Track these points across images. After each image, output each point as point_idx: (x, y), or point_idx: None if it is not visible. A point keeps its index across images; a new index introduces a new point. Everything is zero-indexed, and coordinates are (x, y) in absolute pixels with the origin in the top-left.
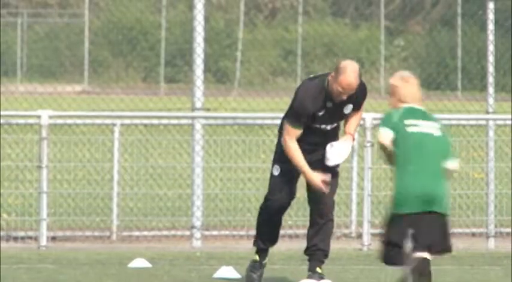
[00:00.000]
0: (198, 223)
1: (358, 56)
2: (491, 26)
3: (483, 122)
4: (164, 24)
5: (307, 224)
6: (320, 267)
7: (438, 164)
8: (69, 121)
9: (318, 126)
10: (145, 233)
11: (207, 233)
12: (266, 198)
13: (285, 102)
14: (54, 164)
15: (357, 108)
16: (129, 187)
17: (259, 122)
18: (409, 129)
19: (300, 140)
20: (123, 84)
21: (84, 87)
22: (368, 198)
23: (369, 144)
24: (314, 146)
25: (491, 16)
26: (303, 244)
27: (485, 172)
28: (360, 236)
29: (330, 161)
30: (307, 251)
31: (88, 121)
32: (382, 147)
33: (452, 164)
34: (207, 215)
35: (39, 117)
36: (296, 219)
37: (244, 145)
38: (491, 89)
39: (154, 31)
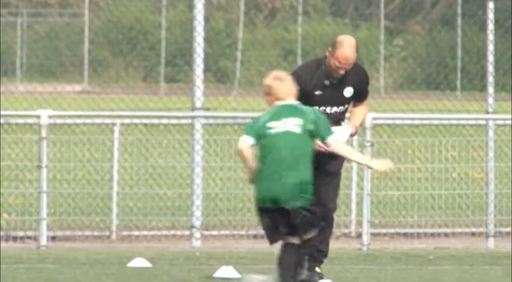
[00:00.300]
0: (197, 223)
1: (358, 55)
2: (491, 26)
3: (483, 122)
4: (164, 24)
5: None
6: (319, 267)
7: (293, 161)
8: (69, 121)
9: (317, 109)
10: (145, 232)
11: (206, 232)
12: None
13: None
14: (54, 163)
15: (360, 96)
16: (129, 187)
17: None
18: (270, 132)
19: None
20: (123, 83)
21: (84, 87)
22: (367, 198)
23: (368, 144)
24: None
25: (491, 16)
26: None
27: (485, 172)
28: (359, 235)
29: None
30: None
31: (88, 121)
32: (240, 154)
33: (335, 138)
34: (206, 215)
35: (38, 117)
36: None
37: None
38: (491, 89)
39: (155, 31)
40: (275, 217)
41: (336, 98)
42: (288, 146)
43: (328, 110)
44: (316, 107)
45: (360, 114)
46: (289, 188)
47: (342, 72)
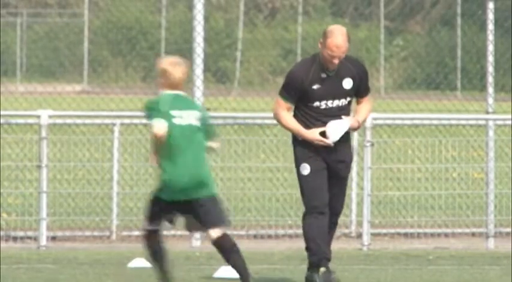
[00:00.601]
0: None
1: (358, 55)
2: (490, 26)
3: (483, 122)
4: (164, 24)
5: None
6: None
7: (198, 154)
8: (68, 121)
9: (318, 104)
10: None
11: None
12: (308, 208)
13: None
14: (54, 163)
15: (360, 90)
16: (129, 187)
17: (259, 121)
18: (175, 121)
19: (308, 127)
20: (123, 83)
21: (84, 87)
22: (368, 198)
23: (368, 144)
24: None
25: (490, 16)
26: (302, 244)
27: (485, 172)
28: (359, 235)
29: (329, 138)
30: None
31: (88, 121)
32: (157, 139)
33: (212, 144)
34: None
35: (38, 117)
36: (296, 219)
37: (244, 145)
38: (490, 89)
39: (154, 31)
40: (169, 204)
41: (336, 90)
42: (189, 139)
43: (329, 103)
44: (317, 102)
45: (363, 110)
46: (199, 178)
47: (336, 61)
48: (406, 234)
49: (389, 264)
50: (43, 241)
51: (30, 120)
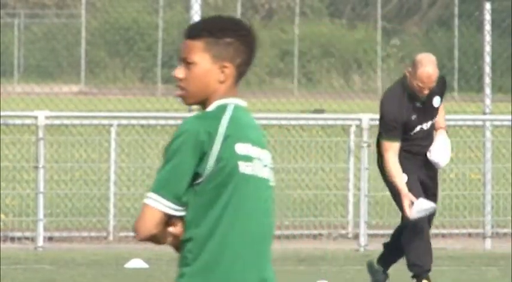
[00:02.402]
0: None
1: (355, 56)
2: (488, 27)
3: (480, 123)
4: (161, 25)
5: (304, 224)
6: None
7: None
8: (66, 122)
9: (417, 130)
10: None
11: None
12: (404, 220)
13: (282, 103)
14: (51, 164)
15: (442, 99)
16: (126, 187)
17: None
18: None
19: (407, 151)
20: (120, 84)
21: (81, 88)
22: (365, 199)
23: (365, 145)
24: (423, 157)
25: (487, 17)
26: (299, 245)
27: (482, 173)
28: (356, 236)
29: (439, 164)
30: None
31: (85, 122)
32: None
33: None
34: None
35: (36, 117)
36: (293, 219)
37: None
38: (488, 90)
39: (151, 32)
40: None
41: (430, 113)
42: None
43: (424, 126)
44: (416, 129)
45: (442, 114)
46: None
47: (427, 92)
48: None
49: None
50: (40, 242)
51: (28, 121)
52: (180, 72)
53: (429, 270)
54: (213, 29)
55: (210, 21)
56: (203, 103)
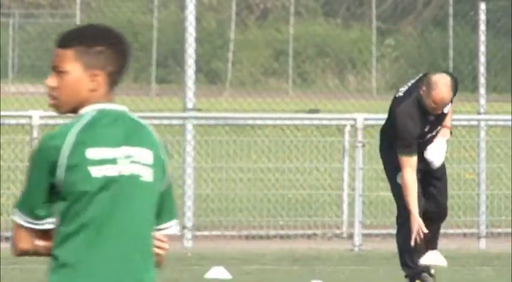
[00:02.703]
0: (189, 223)
1: (350, 56)
2: (482, 27)
3: (474, 123)
4: (156, 25)
5: (299, 224)
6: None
7: None
8: (60, 121)
9: (428, 137)
10: None
11: (198, 233)
12: (400, 219)
13: (277, 103)
14: None
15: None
16: None
17: (250, 122)
18: None
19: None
20: None
21: None
22: (359, 199)
23: (360, 145)
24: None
25: (482, 17)
26: (294, 244)
27: (477, 173)
28: (351, 236)
29: (434, 163)
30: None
31: None
32: None
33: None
34: (198, 216)
35: (30, 117)
36: (287, 219)
37: (236, 145)
38: (482, 90)
39: (146, 32)
40: None
41: (440, 120)
42: None
43: (434, 132)
44: (427, 136)
45: (449, 115)
46: None
47: (439, 111)
48: None
49: (381, 265)
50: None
51: (22, 121)
52: (51, 81)
53: (423, 271)
54: (84, 37)
55: (81, 30)
56: (75, 112)
